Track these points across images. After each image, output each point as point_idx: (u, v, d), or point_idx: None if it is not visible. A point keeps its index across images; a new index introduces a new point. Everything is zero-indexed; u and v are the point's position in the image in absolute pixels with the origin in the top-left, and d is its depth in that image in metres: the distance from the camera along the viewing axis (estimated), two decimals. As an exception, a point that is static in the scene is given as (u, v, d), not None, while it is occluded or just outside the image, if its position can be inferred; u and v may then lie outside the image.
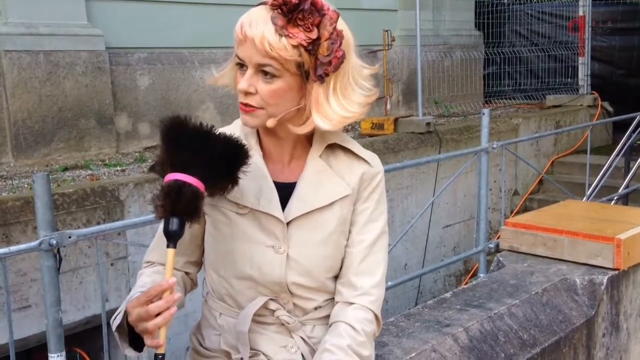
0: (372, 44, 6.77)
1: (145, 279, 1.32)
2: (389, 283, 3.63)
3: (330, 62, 1.20)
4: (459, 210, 6.29)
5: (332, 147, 1.34)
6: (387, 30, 6.47)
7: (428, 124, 5.90)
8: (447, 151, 5.82)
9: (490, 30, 8.23)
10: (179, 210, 1.17)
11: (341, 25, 1.24)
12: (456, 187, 6.04)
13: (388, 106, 6.56)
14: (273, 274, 1.29)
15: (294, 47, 1.18)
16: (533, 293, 2.25)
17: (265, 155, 1.34)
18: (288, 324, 1.32)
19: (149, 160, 4.90)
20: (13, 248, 2.06)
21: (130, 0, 5.26)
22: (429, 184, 5.87)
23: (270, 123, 1.25)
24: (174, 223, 1.17)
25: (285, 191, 1.31)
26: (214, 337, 1.37)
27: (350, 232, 1.34)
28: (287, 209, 1.30)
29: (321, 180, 1.32)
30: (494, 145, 3.91)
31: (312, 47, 1.19)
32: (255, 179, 1.29)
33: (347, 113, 1.25)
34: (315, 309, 1.35)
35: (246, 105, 1.24)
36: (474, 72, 8.00)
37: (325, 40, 1.19)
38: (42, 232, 2.10)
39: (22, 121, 4.63)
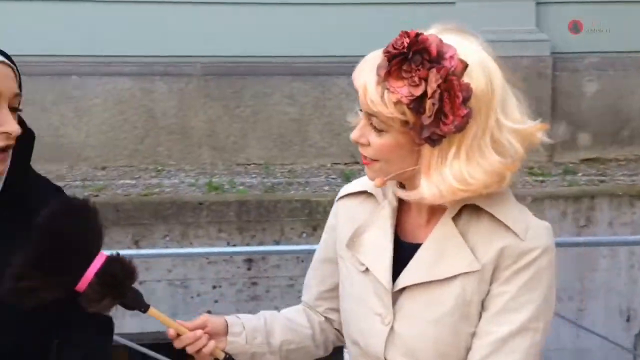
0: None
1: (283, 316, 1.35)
2: None
3: (437, 124, 1.01)
4: None
5: (477, 210, 1.11)
6: None
7: None
8: None
9: None
10: (115, 295, 1.13)
11: (476, 74, 1.02)
12: None
13: None
14: (374, 346, 1.16)
15: (395, 104, 1.01)
16: None
17: (403, 209, 1.18)
18: None
19: (580, 174, 4.66)
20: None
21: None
22: None
23: (378, 183, 1.12)
24: (126, 303, 1.15)
25: (412, 253, 1.15)
26: None
27: (480, 318, 1.11)
28: (402, 274, 1.14)
29: (445, 248, 1.11)
30: None
31: (415, 105, 1.00)
32: (379, 233, 1.17)
33: (462, 185, 1.04)
34: None
35: (363, 156, 1.13)
36: None
37: (429, 98, 0.99)
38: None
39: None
